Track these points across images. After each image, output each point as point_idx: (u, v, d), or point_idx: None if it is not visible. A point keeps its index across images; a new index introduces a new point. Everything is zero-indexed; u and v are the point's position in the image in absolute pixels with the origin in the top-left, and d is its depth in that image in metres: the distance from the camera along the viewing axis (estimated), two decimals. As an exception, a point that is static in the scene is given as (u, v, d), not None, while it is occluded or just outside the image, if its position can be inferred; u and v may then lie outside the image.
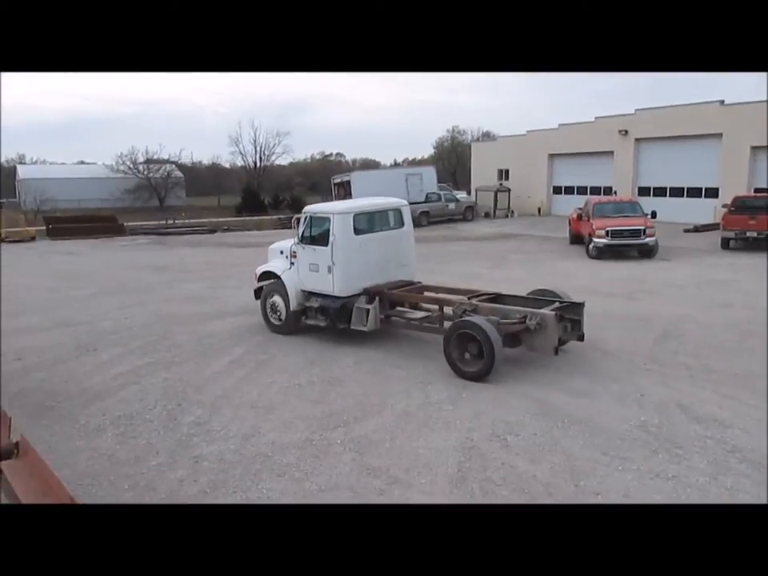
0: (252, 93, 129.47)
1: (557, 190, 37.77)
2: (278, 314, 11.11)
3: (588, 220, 20.75)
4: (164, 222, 40.67)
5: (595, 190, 33.55)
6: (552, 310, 8.79)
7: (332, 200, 29.56)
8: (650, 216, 20.28)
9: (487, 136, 63.65)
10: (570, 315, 9.14)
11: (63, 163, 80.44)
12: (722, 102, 28.54)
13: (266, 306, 11.33)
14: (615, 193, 31.24)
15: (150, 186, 62.46)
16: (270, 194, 56.39)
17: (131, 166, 63.20)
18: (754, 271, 16.18)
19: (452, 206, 35.14)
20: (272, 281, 11.23)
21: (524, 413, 7.27)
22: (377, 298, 10.18)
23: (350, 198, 32.24)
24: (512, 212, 37.31)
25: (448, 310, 9.61)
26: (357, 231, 10.34)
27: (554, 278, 16.29)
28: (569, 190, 36.58)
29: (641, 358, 9.20)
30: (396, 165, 75.16)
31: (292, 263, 10.92)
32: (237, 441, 6.75)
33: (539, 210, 37.25)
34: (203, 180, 74.17)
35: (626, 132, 32.20)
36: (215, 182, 70.54)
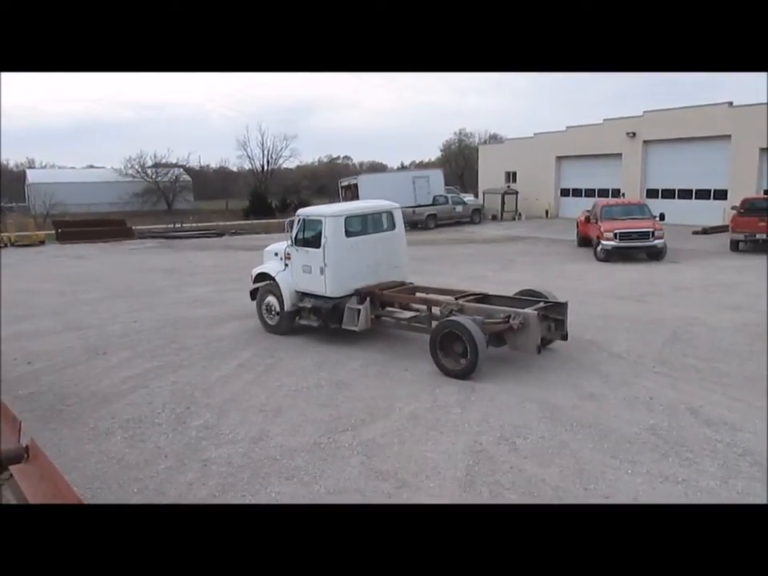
0: (259, 96, 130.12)
1: (564, 193, 37.68)
2: (273, 314, 11.36)
3: (596, 222, 20.67)
4: (172, 225, 40.88)
5: (603, 193, 33.42)
6: (535, 309, 8.93)
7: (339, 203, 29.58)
8: (658, 218, 20.18)
9: (494, 138, 63.66)
10: (554, 315, 9.32)
11: (72, 167, 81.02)
12: (731, 103, 28.42)
13: (261, 307, 11.59)
14: (623, 195, 31.13)
15: (158, 189, 62.76)
16: (277, 197, 56.51)
17: (140, 169, 63.56)
18: (764, 273, 16.07)
19: (459, 208, 35.12)
20: (267, 282, 11.47)
21: (532, 416, 7.25)
22: (368, 299, 10.40)
23: (358, 200, 32.36)
24: (519, 215, 37.25)
25: (436, 310, 9.78)
26: (348, 233, 10.56)
27: (561, 280, 16.26)
28: (576, 193, 36.48)
29: (650, 361, 9.15)
30: (403, 168, 75.24)
31: (286, 265, 11.18)
32: (245, 444, 6.76)
33: (547, 212, 37.16)
34: (211, 184, 74.52)
35: (634, 134, 32.11)
36: (223, 186, 70.87)
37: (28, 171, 73.42)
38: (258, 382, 8.80)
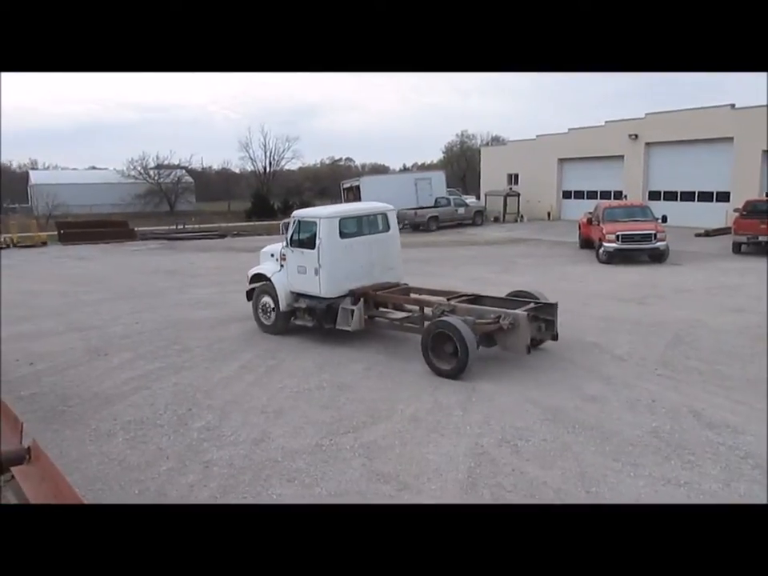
0: (262, 98, 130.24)
1: (567, 195, 37.65)
2: (269, 314, 11.49)
3: (598, 224, 20.67)
4: (174, 226, 40.94)
5: (605, 195, 33.42)
6: (525, 310, 9.04)
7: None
8: (660, 220, 20.16)
9: (497, 140, 63.66)
10: (544, 315, 9.43)
11: (75, 169, 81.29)
12: (733, 105, 28.38)
13: (257, 307, 11.71)
14: (625, 197, 31.08)
15: (160, 191, 62.91)
16: (279, 198, 56.55)
17: (142, 171, 63.74)
18: (766, 276, 16.04)
19: (461, 210, 35.11)
20: (263, 283, 11.58)
21: (534, 418, 7.24)
22: (361, 299, 10.51)
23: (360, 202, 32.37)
24: (521, 216, 37.24)
25: (429, 310, 9.87)
26: (343, 235, 10.66)
27: (563, 282, 16.25)
28: (579, 195, 36.46)
29: (652, 363, 9.14)
30: (405, 169, 75.18)
31: (282, 266, 11.28)
32: (247, 446, 6.76)
33: (549, 214, 37.14)
34: (213, 185, 74.64)
35: (636, 136, 32.09)
36: (225, 187, 70.98)
37: (31, 172, 73.64)
38: (260, 383, 8.80)
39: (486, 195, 39.94)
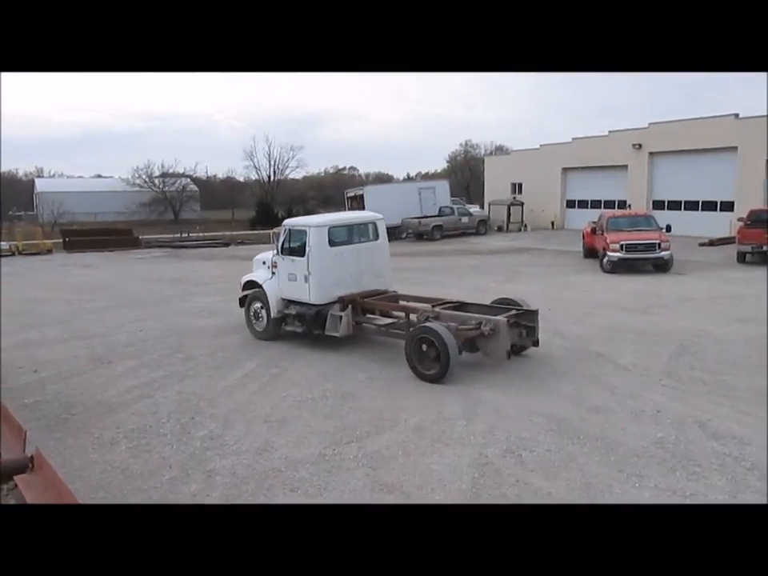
0: (267, 107, 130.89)
1: (570, 204, 37.67)
2: (260, 320, 11.75)
3: (602, 234, 20.64)
4: (179, 235, 41.08)
5: (609, 204, 33.40)
6: (505, 316, 9.22)
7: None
8: (664, 230, 20.14)
9: (500, 150, 63.78)
10: (526, 322, 9.61)
11: (80, 177, 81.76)
12: (737, 115, 28.41)
13: (249, 314, 11.98)
14: (629, 206, 31.08)
15: (165, 199, 63.13)
16: (283, 207, 56.69)
17: (147, 179, 64.01)
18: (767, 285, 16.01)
19: (465, 219, 35.14)
20: (255, 290, 11.85)
21: (538, 428, 7.20)
22: (349, 306, 10.74)
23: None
24: (525, 226, 37.25)
25: (414, 317, 10.10)
26: (332, 243, 10.90)
27: (567, 292, 16.23)
28: (582, 204, 36.48)
29: (657, 374, 9.10)
30: (409, 179, 75.44)
31: (273, 273, 11.52)
32: (250, 455, 6.74)
33: (553, 223, 37.14)
34: (218, 194, 74.86)
35: (640, 146, 32.12)
36: (230, 196, 71.11)
37: (36, 180, 74.01)
38: (263, 392, 8.78)
39: (489, 204, 39.99)
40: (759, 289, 15.60)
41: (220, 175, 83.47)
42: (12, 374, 9.72)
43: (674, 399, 8.05)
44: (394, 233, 33.64)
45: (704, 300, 14.66)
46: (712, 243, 25.47)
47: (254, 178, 69.57)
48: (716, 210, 29.51)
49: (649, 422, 7.32)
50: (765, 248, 19.75)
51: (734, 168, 28.23)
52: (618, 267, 19.33)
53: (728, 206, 28.53)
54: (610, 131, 34.23)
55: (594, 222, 22.84)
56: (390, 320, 10.88)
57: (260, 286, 11.69)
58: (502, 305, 10.12)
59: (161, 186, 63.47)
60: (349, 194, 36.31)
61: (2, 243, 31.00)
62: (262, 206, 55.47)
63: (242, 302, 12.14)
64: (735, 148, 27.99)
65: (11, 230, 37.60)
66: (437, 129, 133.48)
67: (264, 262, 12.00)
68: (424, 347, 8.99)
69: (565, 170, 37.31)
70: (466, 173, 68.62)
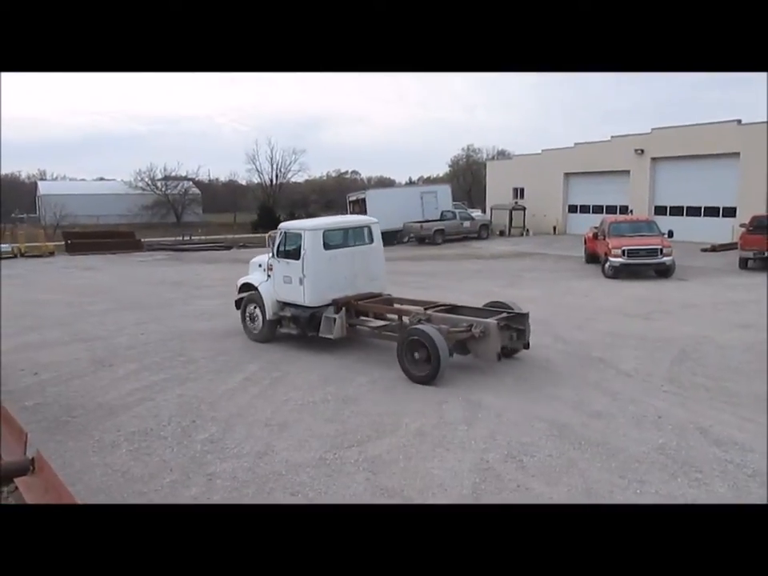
0: (269, 111, 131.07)
1: (572, 209, 37.68)
2: (256, 322, 11.86)
3: (604, 239, 20.64)
4: (181, 238, 41.10)
5: (611, 209, 33.43)
6: (496, 319, 9.34)
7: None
8: (666, 235, 20.14)
9: (502, 154, 63.76)
10: (516, 325, 9.75)
11: (83, 179, 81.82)
12: (739, 121, 28.42)
13: (245, 315, 12.09)
14: (631, 212, 31.10)
15: (167, 202, 63.19)
16: (285, 210, 56.71)
17: (149, 182, 64.10)
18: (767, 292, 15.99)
19: (467, 224, 35.15)
20: (251, 292, 11.96)
21: (540, 434, 7.19)
22: (343, 308, 10.87)
23: (365, 215, 32.43)
24: (527, 230, 37.25)
25: (407, 319, 10.19)
26: (326, 246, 11.06)
27: (569, 297, 16.22)
28: (584, 209, 36.48)
29: (658, 379, 9.08)
30: (411, 183, 75.44)
31: (269, 276, 11.64)
32: (250, 459, 6.73)
33: (554, 228, 37.13)
34: (220, 197, 74.84)
35: (642, 151, 32.12)
36: (232, 199, 71.11)
37: (39, 183, 74.11)
38: (264, 395, 8.78)
39: (491, 209, 40.01)
40: (761, 295, 15.57)
41: (222, 178, 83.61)
42: (13, 377, 9.72)
43: (675, 405, 8.03)
44: (395, 237, 33.77)
45: (706, 306, 14.64)
46: (714, 249, 25.45)
47: (256, 182, 69.60)
48: (718, 215, 29.48)
49: (650, 428, 7.30)
50: (767, 254, 19.73)
51: (736, 174, 28.23)
52: (620, 272, 19.32)
53: (730, 212, 28.52)
54: (612, 136, 34.25)
55: (595, 227, 22.83)
56: (383, 322, 11.00)
57: (256, 289, 11.82)
58: (494, 308, 10.25)
59: (163, 189, 63.56)
60: (351, 198, 36.34)
61: (5, 245, 31.05)
62: (264, 209, 55.45)
63: (238, 304, 12.26)
64: (738, 154, 27.98)
65: (14, 232, 37.64)
66: (438, 133, 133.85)
67: (260, 265, 12.12)
68: (416, 355, 9.08)
69: (567, 174, 37.32)
70: (467, 177, 68.64)
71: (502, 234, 37.10)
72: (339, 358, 10.60)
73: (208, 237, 42.44)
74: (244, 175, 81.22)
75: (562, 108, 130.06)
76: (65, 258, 30.03)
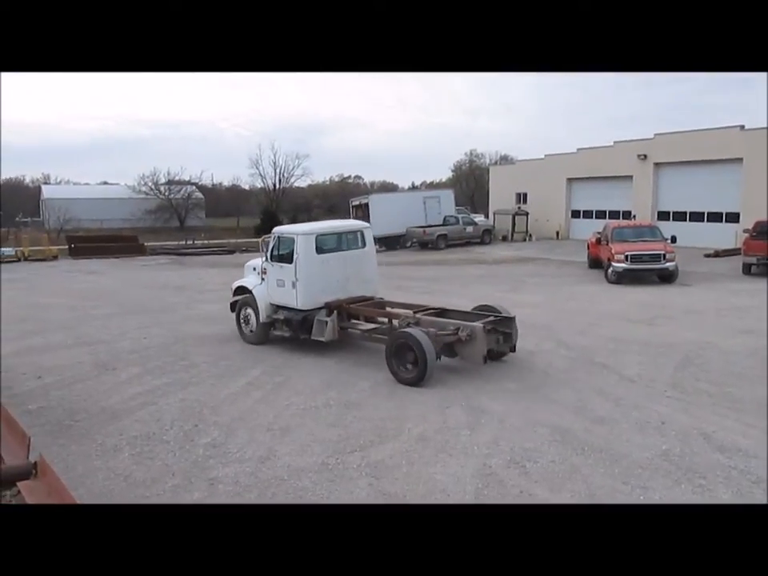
0: (273, 116, 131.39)
1: (575, 214, 37.66)
2: (250, 325, 12.05)
3: (607, 244, 20.63)
4: (184, 242, 41.16)
5: (614, 214, 33.41)
6: (482, 323, 9.52)
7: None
8: (669, 240, 20.13)
9: (505, 160, 63.85)
10: (503, 328, 9.93)
11: (87, 184, 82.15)
12: (743, 126, 28.42)
13: (239, 318, 12.26)
14: (634, 217, 31.07)
15: (170, 206, 63.32)
16: (288, 215, 56.77)
17: (153, 187, 64.24)
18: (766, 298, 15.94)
19: (470, 229, 35.16)
20: (245, 295, 12.13)
21: (543, 439, 7.17)
22: (335, 312, 11.05)
23: (368, 220, 32.47)
24: (530, 236, 37.23)
25: (396, 323, 10.37)
26: (319, 250, 11.24)
27: (572, 302, 16.20)
28: (587, 214, 36.46)
29: (661, 385, 9.06)
30: (414, 188, 75.44)
31: (263, 279, 11.80)
32: (253, 463, 6.72)
33: (557, 233, 37.12)
34: (223, 201, 74.97)
35: (645, 156, 32.12)
36: (235, 204, 71.25)
37: (43, 187, 74.41)
38: (267, 400, 8.77)
39: (494, 214, 40.01)
40: (764, 300, 15.53)
41: (225, 183, 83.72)
42: (16, 380, 9.73)
43: (678, 411, 8.01)
44: (398, 242, 33.80)
45: (709, 311, 14.60)
46: (717, 254, 25.42)
47: (259, 186, 69.76)
48: (721, 221, 29.45)
49: (654, 434, 7.28)
50: (770, 259, 19.69)
51: (739, 179, 28.20)
52: (623, 278, 19.30)
53: (733, 218, 28.49)
54: (615, 142, 34.26)
55: (598, 233, 22.81)
56: (373, 325, 11.20)
57: (250, 292, 12.00)
58: (482, 311, 10.42)
59: (166, 194, 63.70)
60: (354, 203, 36.38)
61: (8, 249, 31.14)
62: (267, 213, 55.53)
63: (233, 306, 12.44)
64: (741, 159, 27.97)
65: (17, 235, 37.73)
66: (441, 138, 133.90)
67: (254, 268, 12.29)
68: (407, 364, 9.19)
69: (570, 180, 37.33)
70: (470, 182, 68.68)
71: (504, 239, 37.09)
72: (341, 362, 10.59)
73: (211, 241, 42.54)
74: (247, 180, 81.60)
75: (565, 113, 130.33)
76: (68, 262, 30.10)
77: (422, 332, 9.30)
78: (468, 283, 20.12)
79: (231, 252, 35.06)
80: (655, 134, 32.13)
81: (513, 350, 10.07)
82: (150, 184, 64.31)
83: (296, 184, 70.74)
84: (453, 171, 76.87)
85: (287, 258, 11.21)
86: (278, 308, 11.58)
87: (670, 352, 10.83)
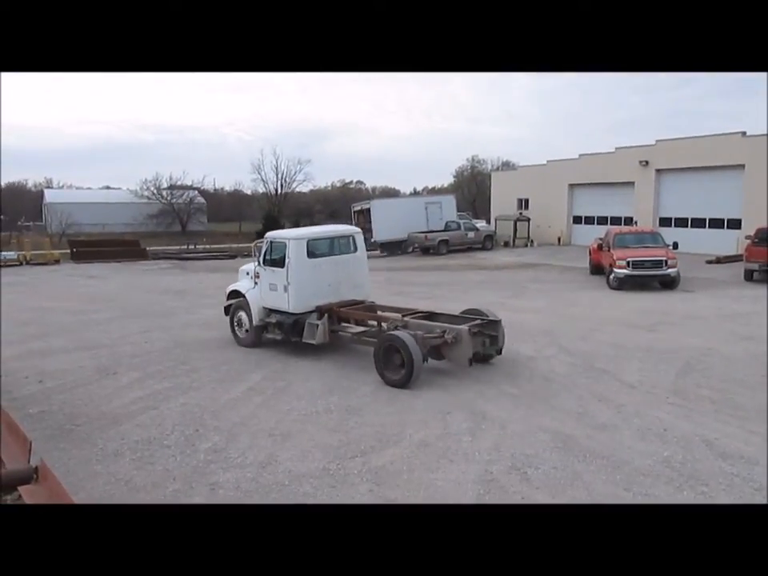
0: (275, 121, 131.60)
1: (577, 220, 37.67)
2: (243, 328, 12.22)
3: (609, 250, 20.62)
4: (186, 247, 41.21)
5: (616, 221, 33.37)
6: (468, 326, 9.69)
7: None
8: (671, 247, 20.13)
9: (507, 165, 63.88)
10: (489, 331, 10.11)
11: (89, 188, 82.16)
12: (744, 133, 28.43)
13: (233, 321, 12.44)
14: (636, 223, 31.06)
15: (172, 211, 63.42)
16: (290, 220, 56.75)
17: (155, 191, 64.38)
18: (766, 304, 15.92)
19: (471, 234, 35.16)
20: (239, 299, 12.33)
21: (544, 446, 7.16)
22: (325, 315, 11.18)
23: (370, 225, 32.49)
24: (532, 241, 37.23)
25: (386, 325, 10.54)
26: (310, 255, 11.43)
27: (573, 308, 16.18)
28: (589, 220, 36.46)
29: (663, 391, 9.04)
30: (416, 193, 75.56)
31: (256, 283, 11.98)
32: (254, 469, 6.71)
33: (559, 239, 37.12)
34: (225, 206, 75.05)
35: (647, 162, 32.14)
36: (237, 209, 71.33)
37: (45, 191, 74.50)
38: (268, 405, 8.76)
39: (496, 220, 40.03)
40: (766, 307, 15.51)
41: (227, 188, 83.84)
42: (17, 384, 9.74)
43: (680, 417, 7.99)
44: (400, 247, 33.81)
45: (711, 318, 14.59)
46: (719, 261, 25.38)
47: (261, 191, 69.75)
48: (723, 227, 29.43)
49: (655, 441, 7.26)
50: (772, 266, 19.66)
51: (741, 186, 28.20)
52: (625, 284, 19.29)
53: (735, 224, 28.45)
54: (616, 148, 34.30)
55: (600, 239, 22.81)
56: (363, 328, 11.36)
57: (243, 296, 12.18)
58: (469, 315, 10.59)
59: (168, 198, 63.81)
60: (355, 208, 36.43)
61: (11, 253, 31.17)
62: (269, 218, 55.56)
63: (227, 310, 12.60)
64: (742, 166, 27.98)
65: (20, 239, 37.80)
66: (443, 144, 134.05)
67: (248, 273, 12.48)
68: (395, 366, 9.33)
69: (572, 186, 37.35)
70: (472, 188, 68.74)
71: (506, 244, 37.08)
72: (341, 367, 10.59)
73: (212, 246, 42.60)
74: (249, 185, 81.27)
75: (567, 120, 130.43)
76: (70, 266, 30.13)
77: (410, 335, 9.45)
78: (469, 289, 20.11)
79: (233, 257, 35.07)
80: (657, 141, 32.17)
81: (499, 352, 10.25)
82: (152, 189, 64.51)
83: (298, 189, 70.91)
84: (454, 177, 77.04)
85: (279, 262, 11.40)
86: (270, 311, 11.76)
87: (671, 358, 10.81)
